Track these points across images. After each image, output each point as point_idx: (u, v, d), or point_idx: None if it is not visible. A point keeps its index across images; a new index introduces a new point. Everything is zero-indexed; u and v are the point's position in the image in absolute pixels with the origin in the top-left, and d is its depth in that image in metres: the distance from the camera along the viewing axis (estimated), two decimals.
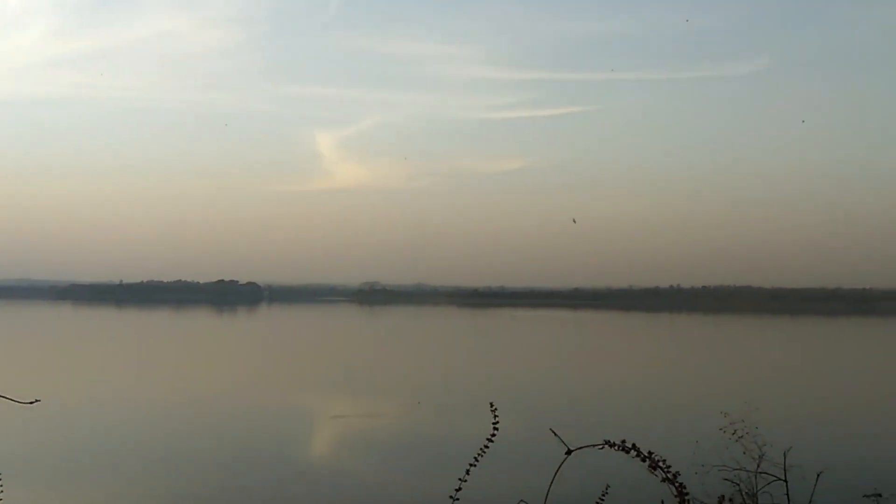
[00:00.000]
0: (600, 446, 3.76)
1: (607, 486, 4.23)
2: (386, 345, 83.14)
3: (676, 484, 3.67)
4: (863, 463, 22.13)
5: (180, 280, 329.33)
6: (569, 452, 3.68)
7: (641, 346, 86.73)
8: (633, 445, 3.71)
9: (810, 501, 12.75)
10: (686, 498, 3.68)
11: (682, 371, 53.74)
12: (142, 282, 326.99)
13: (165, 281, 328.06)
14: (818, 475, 12.95)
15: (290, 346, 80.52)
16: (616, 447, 3.72)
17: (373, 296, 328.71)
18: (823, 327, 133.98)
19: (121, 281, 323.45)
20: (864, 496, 11.69)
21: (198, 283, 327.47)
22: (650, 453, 3.66)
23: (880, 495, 11.30)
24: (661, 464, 3.68)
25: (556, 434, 3.93)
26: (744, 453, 13.79)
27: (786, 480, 13.33)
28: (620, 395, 39.05)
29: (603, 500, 4.21)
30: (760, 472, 13.61)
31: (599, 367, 55.41)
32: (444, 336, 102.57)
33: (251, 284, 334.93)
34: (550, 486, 3.82)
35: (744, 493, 13.37)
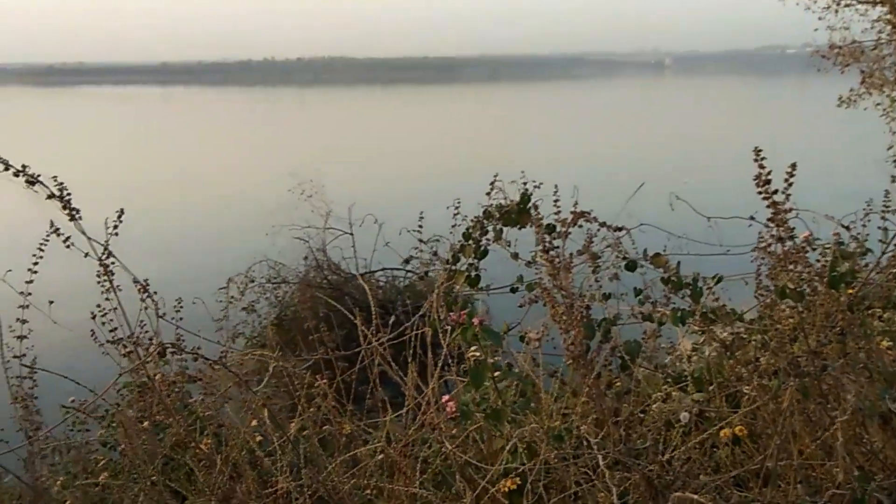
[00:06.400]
0: None
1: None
2: None
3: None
4: (416, 211, 24.54)
5: None
6: None
7: (234, 118, 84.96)
8: None
9: (374, 249, 13.70)
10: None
11: (256, 140, 53.58)
12: None
13: None
14: (380, 225, 13.79)
15: None
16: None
17: None
18: (410, 94, 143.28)
19: None
20: (407, 230, 12.84)
21: None
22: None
23: (422, 228, 12.54)
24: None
25: None
26: (312, 212, 14.07)
27: (352, 234, 14.06)
28: (204, 173, 37.81)
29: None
30: (328, 228, 14.10)
31: (189, 148, 52.94)
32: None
33: None
34: None
35: (314, 249, 13.85)
